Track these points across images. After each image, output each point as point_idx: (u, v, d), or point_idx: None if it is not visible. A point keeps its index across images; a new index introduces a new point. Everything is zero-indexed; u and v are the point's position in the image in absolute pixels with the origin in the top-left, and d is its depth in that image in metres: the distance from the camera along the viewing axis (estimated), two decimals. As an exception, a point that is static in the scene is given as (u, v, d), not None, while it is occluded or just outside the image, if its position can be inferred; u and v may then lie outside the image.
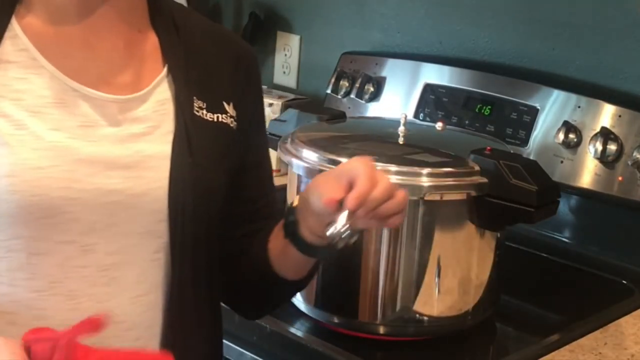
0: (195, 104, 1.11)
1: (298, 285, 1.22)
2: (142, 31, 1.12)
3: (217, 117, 1.13)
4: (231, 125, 1.14)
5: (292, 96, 2.25)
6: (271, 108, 2.18)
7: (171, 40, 1.13)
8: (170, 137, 1.08)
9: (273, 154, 1.81)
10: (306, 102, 2.20)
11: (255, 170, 1.21)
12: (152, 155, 1.06)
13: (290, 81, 2.35)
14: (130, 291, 1.06)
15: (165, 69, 1.11)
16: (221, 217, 1.15)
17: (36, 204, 1.00)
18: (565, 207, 1.80)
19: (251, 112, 1.19)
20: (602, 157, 1.69)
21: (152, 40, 1.12)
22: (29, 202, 1.00)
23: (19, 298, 1.03)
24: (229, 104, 1.15)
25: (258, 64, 1.24)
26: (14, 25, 1.05)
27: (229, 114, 1.14)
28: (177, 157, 1.07)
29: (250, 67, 1.20)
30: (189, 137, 1.08)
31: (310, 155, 1.41)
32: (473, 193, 1.36)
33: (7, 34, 1.04)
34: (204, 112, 1.11)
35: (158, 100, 1.09)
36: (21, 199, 0.99)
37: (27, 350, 0.89)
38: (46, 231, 1.01)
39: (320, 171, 1.39)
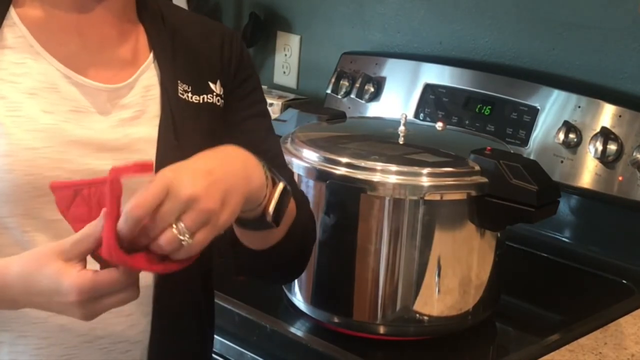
0: (179, 88, 1.15)
1: (276, 254, 1.14)
2: (131, 22, 1.17)
3: (203, 98, 1.17)
4: (217, 103, 1.18)
5: (292, 96, 2.25)
6: (271, 108, 2.18)
7: (157, 28, 1.18)
8: (156, 121, 1.12)
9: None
10: (306, 102, 2.20)
11: (246, 135, 1.19)
12: (139, 139, 1.10)
13: (290, 81, 2.35)
14: None
15: (151, 56, 1.16)
16: None
17: (30, 182, 1.04)
18: (565, 207, 1.80)
19: (237, 87, 1.21)
20: (602, 157, 1.69)
21: (139, 30, 1.17)
22: (24, 180, 1.03)
23: None
24: (215, 83, 1.19)
25: (243, 44, 1.25)
26: (12, 13, 1.10)
27: (215, 93, 1.18)
28: (162, 140, 1.11)
29: (233, 44, 1.23)
30: (175, 120, 1.12)
31: (310, 155, 1.41)
32: (473, 193, 1.37)
33: (5, 22, 1.09)
34: (189, 94, 1.16)
35: (144, 86, 1.14)
36: (17, 177, 1.03)
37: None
38: (38, 209, 1.04)
39: (320, 171, 1.39)
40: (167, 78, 1.15)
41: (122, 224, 0.90)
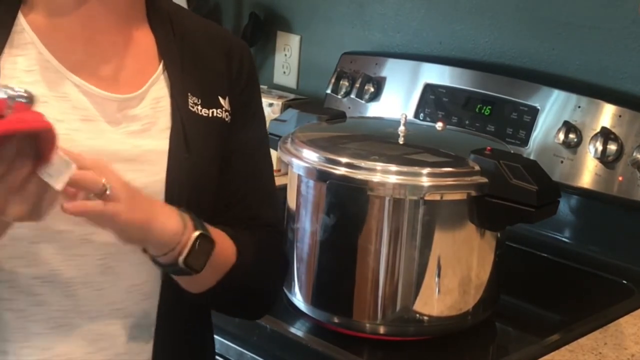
0: (190, 100, 1.13)
1: (214, 296, 1.14)
2: (139, 29, 1.14)
3: (212, 112, 1.15)
4: (226, 119, 1.17)
5: (292, 96, 2.25)
6: (271, 108, 2.18)
7: (167, 37, 1.15)
8: (167, 133, 1.11)
9: (273, 154, 1.81)
10: (306, 102, 2.20)
11: (235, 159, 1.20)
12: (150, 150, 1.09)
13: (290, 81, 2.35)
14: (127, 280, 1.09)
15: (161, 66, 1.14)
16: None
17: None
18: (565, 207, 1.80)
19: (239, 102, 1.20)
20: (602, 157, 1.69)
21: (148, 37, 1.15)
22: None
23: (18, 285, 1.05)
24: (224, 99, 1.17)
25: (252, 58, 1.24)
26: (21, 20, 1.08)
27: (224, 108, 1.17)
28: (174, 152, 1.10)
29: (242, 59, 1.21)
30: (185, 133, 1.11)
31: (310, 155, 1.41)
32: (473, 193, 1.36)
33: (14, 29, 1.07)
34: (199, 107, 1.14)
35: (154, 98, 1.12)
36: None
37: None
38: (47, 220, 1.02)
39: (320, 171, 1.39)
40: (177, 90, 1.13)
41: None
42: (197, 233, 1.04)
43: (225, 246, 1.10)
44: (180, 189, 1.09)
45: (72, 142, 1.04)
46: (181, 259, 1.03)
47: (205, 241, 1.05)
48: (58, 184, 0.92)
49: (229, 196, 1.19)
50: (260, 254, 1.18)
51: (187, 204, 1.09)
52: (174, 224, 1.03)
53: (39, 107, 1.03)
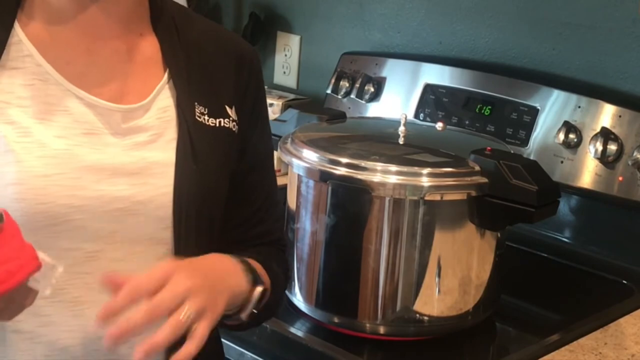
0: (196, 110, 1.10)
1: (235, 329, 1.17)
2: (143, 35, 1.11)
3: (219, 122, 1.12)
4: (233, 129, 1.14)
5: (292, 96, 2.25)
6: (271, 108, 2.17)
7: (172, 44, 1.12)
8: (173, 144, 1.08)
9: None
10: (306, 102, 2.20)
11: (251, 173, 1.19)
12: (156, 162, 1.06)
13: (290, 81, 2.35)
14: None
15: (166, 75, 1.10)
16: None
17: (42, 211, 1.00)
18: (565, 207, 1.80)
19: (251, 114, 1.18)
20: (602, 157, 1.69)
21: (153, 45, 1.11)
22: (35, 210, 0.99)
23: None
24: (231, 108, 1.14)
25: (260, 64, 1.22)
26: (18, 31, 1.04)
27: (231, 118, 1.13)
28: (181, 164, 1.07)
29: (252, 68, 1.19)
30: (192, 143, 1.08)
31: (310, 155, 1.41)
32: (473, 193, 1.37)
33: (11, 40, 1.03)
34: (206, 117, 1.11)
35: (160, 108, 1.09)
36: (27, 207, 0.99)
37: None
38: (52, 238, 1.00)
39: (321, 171, 1.39)
40: (184, 100, 1.09)
41: (120, 297, 0.93)
42: (260, 290, 1.06)
43: (266, 285, 1.11)
44: (188, 202, 1.07)
45: (74, 157, 1.02)
46: (244, 315, 1.06)
47: (263, 294, 1.08)
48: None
49: (245, 210, 1.18)
50: (285, 278, 1.21)
51: (196, 216, 1.07)
52: (242, 286, 1.05)
53: (36, 126, 1.01)
